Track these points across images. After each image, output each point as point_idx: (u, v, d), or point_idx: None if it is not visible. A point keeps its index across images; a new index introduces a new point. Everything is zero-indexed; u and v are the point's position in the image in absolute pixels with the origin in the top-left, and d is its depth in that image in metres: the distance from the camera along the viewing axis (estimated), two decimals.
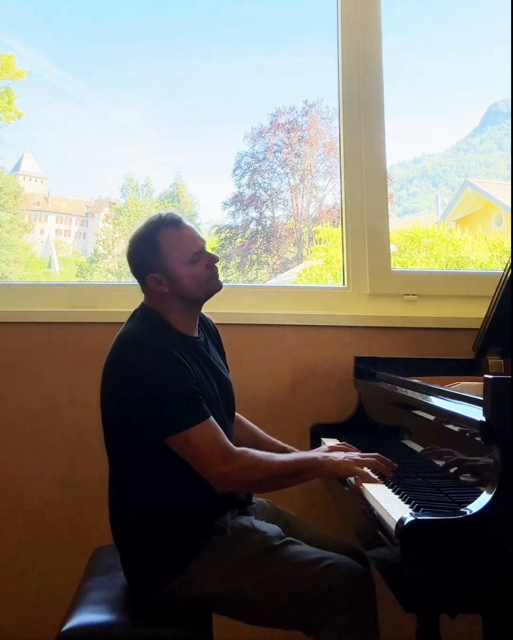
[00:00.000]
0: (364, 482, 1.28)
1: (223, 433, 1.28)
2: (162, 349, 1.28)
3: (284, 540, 1.33)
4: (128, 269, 1.44)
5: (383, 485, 1.25)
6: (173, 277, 1.33)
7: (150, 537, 1.31)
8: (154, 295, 1.38)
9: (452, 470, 1.19)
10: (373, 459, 1.33)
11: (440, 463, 1.26)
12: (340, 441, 1.57)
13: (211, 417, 1.28)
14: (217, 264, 1.40)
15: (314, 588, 1.24)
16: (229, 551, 1.30)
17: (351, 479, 1.34)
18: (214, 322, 1.61)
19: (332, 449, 1.46)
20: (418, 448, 1.44)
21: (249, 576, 1.27)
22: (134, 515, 1.33)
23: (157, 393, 1.25)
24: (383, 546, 1.03)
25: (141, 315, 1.40)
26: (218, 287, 1.40)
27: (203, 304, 1.43)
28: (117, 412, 1.34)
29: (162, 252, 1.33)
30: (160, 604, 1.30)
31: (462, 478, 1.14)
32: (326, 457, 1.34)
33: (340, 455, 1.34)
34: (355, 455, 1.35)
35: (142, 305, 1.43)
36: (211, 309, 1.57)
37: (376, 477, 1.30)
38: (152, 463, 1.31)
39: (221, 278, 1.43)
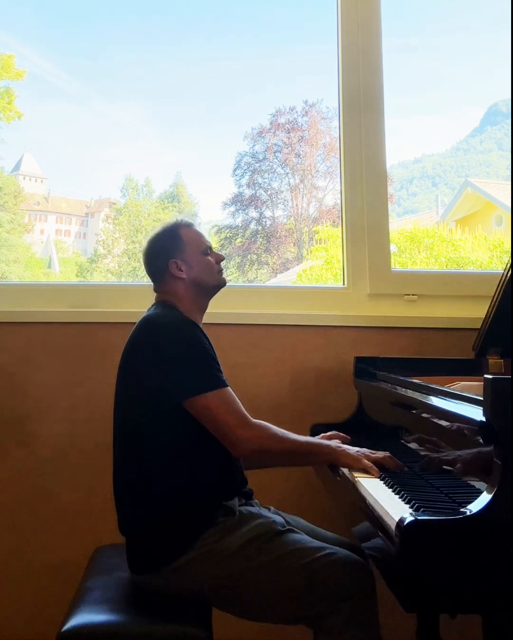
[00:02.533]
0: (358, 476, 1.31)
1: (242, 405, 1.36)
2: (186, 320, 1.42)
3: (288, 528, 1.37)
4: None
5: (381, 482, 1.25)
6: (191, 264, 1.50)
7: (160, 515, 1.34)
8: (172, 282, 1.51)
9: (451, 470, 1.19)
10: (381, 456, 1.38)
11: (440, 462, 1.25)
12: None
13: (230, 388, 1.37)
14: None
15: (318, 574, 1.27)
16: (237, 531, 1.33)
17: (345, 470, 1.38)
18: (214, 322, 1.62)
19: (332, 437, 1.54)
20: (417, 448, 1.44)
21: (256, 557, 1.29)
22: (145, 495, 1.36)
23: (181, 356, 1.35)
24: (377, 537, 1.03)
25: (157, 306, 1.51)
26: (224, 281, 1.56)
27: (209, 299, 1.56)
28: (139, 385, 1.39)
29: (183, 242, 1.52)
30: (163, 591, 1.33)
31: (461, 478, 1.14)
32: (340, 446, 1.42)
33: (352, 449, 1.41)
34: (365, 450, 1.41)
35: (156, 303, 1.53)
36: (213, 308, 1.59)
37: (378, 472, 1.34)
38: (166, 443, 1.35)
39: None
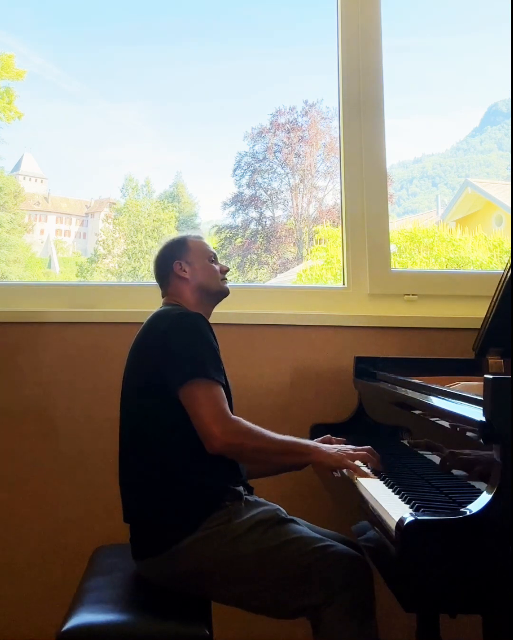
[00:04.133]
0: (359, 477, 1.32)
1: (227, 402, 1.37)
2: (193, 312, 1.48)
3: (291, 517, 1.40)
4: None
5: (381, 482, 1.25)
6: (194, 266, 1.59)
7: (168, 497, 1.36)
8: (177, 283, 1.59)
9: (451, 470, 1.19)
10: (365, 452, 1.39)
11: (440, 462, 1.26)
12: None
13: (221, 387, 1.39)
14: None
15: (319, 563, 1.29)
16: (243, 515, 1.36)
17: (345, 470, 1.39)
18: (214, 322, 1.63)
19: (325, 440, 1.55)
20: (417, 448, 1.44)
21: (260, 541, 1.32)
22: (153, 480, 1.38)
23: (182, 343, 1.40)
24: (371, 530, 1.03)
25: (164, 306, 1.57)
26: (226, 289, 1.62)
27: (213, 306, 1.62)
28: (147, 373, 1.43)
29: (189, 247, 1.61)
30: (166, 577, 1.35)
31: (461, 478, 1.14)
32: (318, 446, 1.42)
33: (332, 448, 1.42)
34: (348, 448, 1.42)
35: (162, 305, 1.59)
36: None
37: (368, 471, 1.36)
38: (174, 430, 1.39)
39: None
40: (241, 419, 1.37)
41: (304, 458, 1.42)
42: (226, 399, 1.38)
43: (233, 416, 1.37)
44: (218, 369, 1.41)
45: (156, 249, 1.69)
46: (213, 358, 1.41)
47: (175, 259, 1.59)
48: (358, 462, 1.38)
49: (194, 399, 1.35)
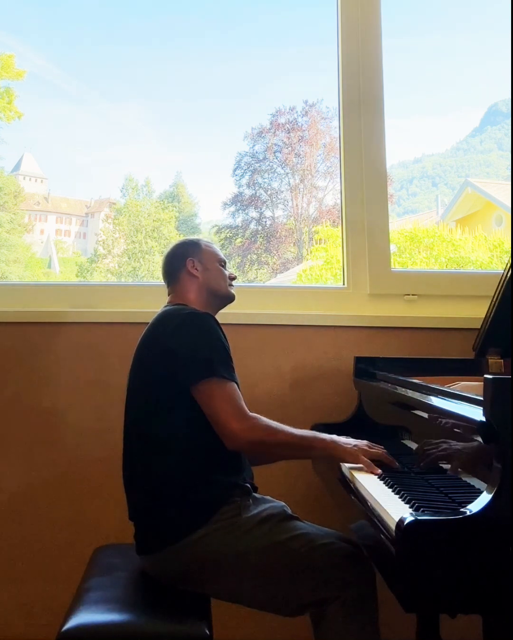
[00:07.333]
0: (356, 473, 1.33)
1: (243, 400, 1.40)
2: (204, 312, 1.48)
3: (296, 515, 1.42)
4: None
5: (381, 482, 1.25)
6: (206, 266, 1.62)
7: (178, 492, 1.37)
8: (187, 281, 1.60)
9: (451, 470, 1.19)
10: (380, 452, 1.40)
11: (440, 463, 1.26)
12: None
13: (236, 385, 1.40)
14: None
15: (324, 559, 1.31)
16: (252, 509, 1.39)
17: (345, 470, 1.40)
18: None
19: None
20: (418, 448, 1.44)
21: (269, 536, 1.34)
22: (162, 476, 1.39)
23: (196, 342, 1.41)
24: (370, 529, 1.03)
25: (171, 306, 1.57)
26: (233, 294, 1.65)
27: (218, 309, 1.63)
28: (157, 369, 1.43)
29: (202, 249, 1.65)
30: (172, 572, 1.36)
31: (461, 478, 1.14)
32: (336, 440, 1.42)
33: (350, 442, 1.42)
34: (363, 444, 1.42)
35: (168, 304, 1.59)
36: None
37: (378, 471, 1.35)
38: (182, 427, 1.40)
39: None
40: (258, 415, 1.39)
41: (322, 452, 1.42)
42: (241, 396, 1.40)
43: (251, 413, 1.38)
44: (232, 368, 1.43)
45: (164, 249, 1.69)
46: (226, 357, 1.42)
47: (188, 257, 1.61)
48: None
49: (212, 398, 1.37)
